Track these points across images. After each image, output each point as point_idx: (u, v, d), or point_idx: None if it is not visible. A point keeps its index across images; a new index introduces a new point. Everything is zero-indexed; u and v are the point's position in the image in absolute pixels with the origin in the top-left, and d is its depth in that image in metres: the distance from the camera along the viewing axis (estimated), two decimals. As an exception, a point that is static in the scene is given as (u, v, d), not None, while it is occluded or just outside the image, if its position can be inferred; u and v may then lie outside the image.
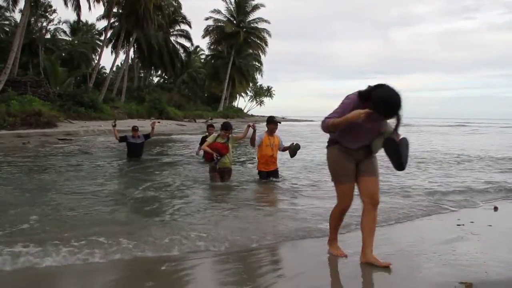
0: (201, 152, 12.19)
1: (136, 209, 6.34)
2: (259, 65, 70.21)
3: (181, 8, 54.73)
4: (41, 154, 13.76)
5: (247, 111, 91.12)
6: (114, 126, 12.24)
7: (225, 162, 8.47)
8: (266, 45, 61.97)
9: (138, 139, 12.28)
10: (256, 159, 9.20)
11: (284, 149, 8.97)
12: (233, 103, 79.97)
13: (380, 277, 3.76)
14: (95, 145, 17.82)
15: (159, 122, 12.73)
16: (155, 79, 71.06)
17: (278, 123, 8.94)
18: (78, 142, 18.47)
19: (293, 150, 8.72)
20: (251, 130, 8.39)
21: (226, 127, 8.49)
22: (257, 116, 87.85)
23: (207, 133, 11.99)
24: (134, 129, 12.37)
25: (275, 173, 9.01)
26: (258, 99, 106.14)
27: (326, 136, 4.15)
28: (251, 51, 65.54)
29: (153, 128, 12.26)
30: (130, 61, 50.91)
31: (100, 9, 46.39)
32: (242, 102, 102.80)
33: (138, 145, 12.32)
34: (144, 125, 29.80)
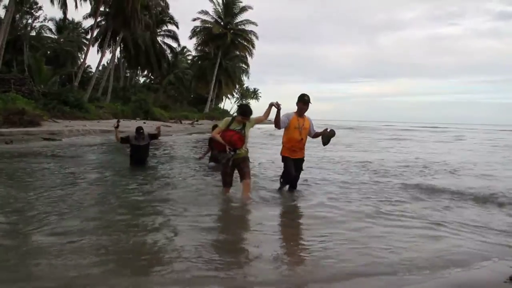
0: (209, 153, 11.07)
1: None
2: (245, 67, 70.24)
3: (168, 9, 54.55)
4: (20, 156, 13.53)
5: (233, 113, 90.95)
6: (117, 127, 10.59)
7: (240, 153, 6.92)
8: (253, 47, 61.98)
9: (142, 141, 10.76)
10: (281, 143, 7.71)
11: (315, 136, 7.67)
12: (220, 104, 79.90)
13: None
14: (81, 146, 17.62)
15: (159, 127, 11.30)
16: (141, 79, 70.73)
17: (310, 103, 7.45)
18: (62, 142, 18.28)
19: (327, 137, 7.48)
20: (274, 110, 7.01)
21: (245, 112, 6.87)
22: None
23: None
24: (139, 131, 10.75)
25: (300, 164, 7.66)
26: (244, 101, 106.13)
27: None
28: (238, 53, 65.51)
29: (159, 131, 10.89)
30: (116, 60, 50.57)
31: (87, 7, 46.03)
32: (229, 103, 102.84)
33: (142, 148, 10.83)
34: (130, 126, 29.68)
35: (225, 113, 75.00)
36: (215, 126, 11.00)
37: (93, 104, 36.53)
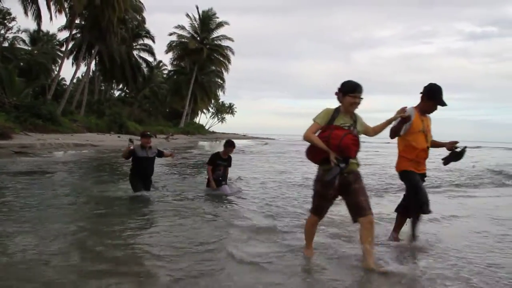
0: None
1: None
2: (221, 82, 70.52)
3: (145, 23, 54.44)
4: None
5: (209, 128, 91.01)
6: (130, 146, 8.44)
7: (352, 162, 4.30)
8: (229, 62, 62.54)
9: (149, 151, 8.58)
10: (398, 153, 5.30)
11: (436, 145, 5.35)
12: (195, 119, 79.86)
13: None
14: (55, 160, 17.34)
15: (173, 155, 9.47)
16: (116, 93, 70.17)
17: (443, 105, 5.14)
18: (36, 158, 17.95)
19: (457, 156, 5.25)
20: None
21: (356, 87, 4.29)
22: (219, 133, 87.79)
23: (218, 151, 9.57)
24: (144, 135, 8.62)
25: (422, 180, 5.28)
26: (219, 116, 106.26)
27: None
28: (214, 68, 65.80)
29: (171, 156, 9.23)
30: (91, 73, 50.16)
31: (62, 19, 45.64)
32: (204, 118, 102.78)
33: (150, 160, 8.64)
34: (104, 139, 29.44)
35: (201, 127, 74.94)
36: (215, 155, 9.37)
37: (66, 117, 36.05)
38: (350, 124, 4.26)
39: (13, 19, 43.62)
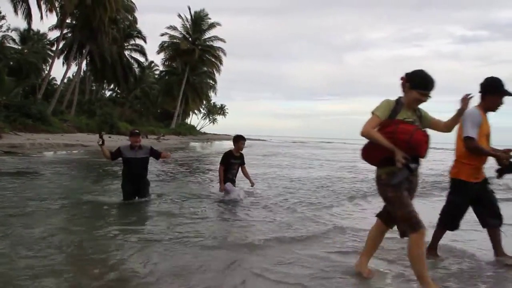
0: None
1: None
2: (213, 83, 70.40)
3: (136, 23, 54.31)
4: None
5: (200, 129, 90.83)
6: (102, 144, 7.30)
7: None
8: (221, 63, 62.48)
9: (139, 151, 7.67)
10: (456, 159, 4.59)
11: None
12: (186, 120, 79.61)
13: None
14: (43, 161, 17.21)
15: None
16: (107, 93, 69.81)
17: None
18: (25, 158, 17.81)
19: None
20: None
21: (428, 83, 3.62)
22: (210, 134, 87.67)
23: (230, 149, 8.95)
24: (133, 133, 7.76)
25: (488, 186, 4.65)
26: (211, 117, 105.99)
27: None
28: (205, 68, 65.67)
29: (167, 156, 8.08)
30: (82, 73, 49.93)
31: (52, 19, 45.23)
32: (195, 119, 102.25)
33: (139, 162, 7.67)
34: (95, 140, 29.22)
35: (192, 128, 74.74)
36: (227, 154, 8.75)
37: (57, 117, 35.86)
38: (414, 120, 3.63)
39: (3, 17, 43.35)
